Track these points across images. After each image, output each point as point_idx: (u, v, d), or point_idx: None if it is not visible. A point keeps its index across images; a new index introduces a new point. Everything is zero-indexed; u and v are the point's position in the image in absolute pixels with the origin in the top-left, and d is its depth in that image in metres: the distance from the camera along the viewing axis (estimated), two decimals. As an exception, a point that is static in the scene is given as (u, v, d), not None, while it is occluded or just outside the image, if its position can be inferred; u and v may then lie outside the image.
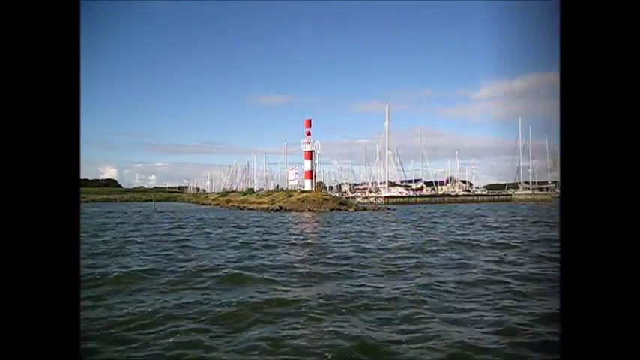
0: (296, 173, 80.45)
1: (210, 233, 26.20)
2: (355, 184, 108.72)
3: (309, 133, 70.63)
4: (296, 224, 33.07)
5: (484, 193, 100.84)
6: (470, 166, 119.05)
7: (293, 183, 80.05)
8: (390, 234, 24.60)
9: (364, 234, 24.82)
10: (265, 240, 21.86)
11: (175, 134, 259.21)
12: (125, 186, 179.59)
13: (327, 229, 28.31)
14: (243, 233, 25.82)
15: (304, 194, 60.70)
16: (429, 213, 48.09)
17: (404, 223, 31.68)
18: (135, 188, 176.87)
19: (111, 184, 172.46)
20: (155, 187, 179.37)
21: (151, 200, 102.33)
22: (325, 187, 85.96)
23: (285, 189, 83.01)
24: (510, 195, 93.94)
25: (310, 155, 69.98)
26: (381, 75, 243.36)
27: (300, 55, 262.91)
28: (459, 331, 7.46)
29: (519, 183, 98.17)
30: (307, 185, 69.23)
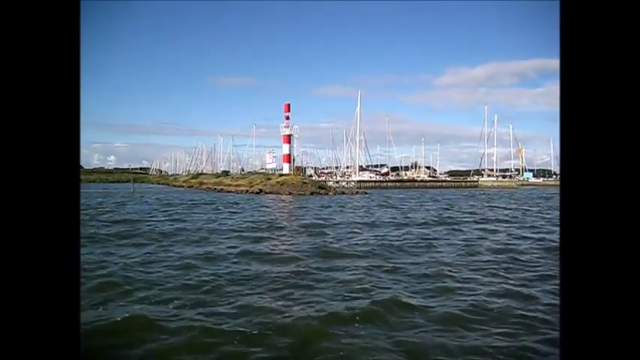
0: (273, 156, 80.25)
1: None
2: (319, 168, 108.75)
3: (287, 117, 70.51)
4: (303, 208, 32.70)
5: (448, 178, 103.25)
6: (433, 152, 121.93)
7: (270, 166, 79.95)
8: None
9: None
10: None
11: (133, 114, 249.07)
12: (85, 166, 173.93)
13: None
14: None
15: (283, 177, 60.64)
16: (418, 198, 48.46)
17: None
18: (96, 169, 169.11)
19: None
20: (115, 168, 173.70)
21: (120, 181, 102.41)
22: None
23: (252, 171, 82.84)
24: (477, 181, 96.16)
25: (289, 139, 70.04)
26: (342, 60, 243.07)
27: (260, 37, 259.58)
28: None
29: (483, 170, 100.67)
30: (285, 169, 69.16)
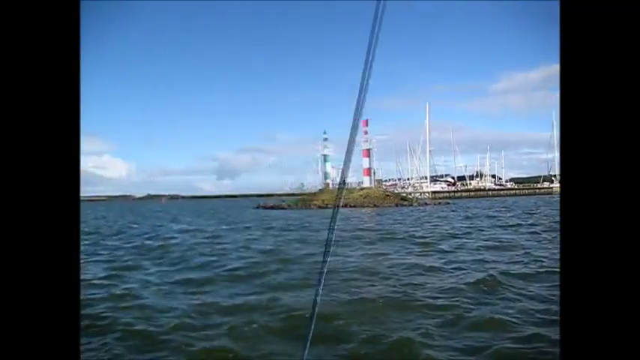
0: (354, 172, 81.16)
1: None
2: (382, 180, 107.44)
3: (366, 132, 71.47)
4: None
5: (515, 186, 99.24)
6: (496, 159, 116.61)
7: (350, 180, 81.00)
8: None
9: None
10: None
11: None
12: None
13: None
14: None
15: (365, 191, 60.70)
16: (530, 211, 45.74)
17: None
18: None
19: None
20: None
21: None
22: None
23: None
24: (551, 188, 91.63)
25: (368, 153, 70.86)
26: (390, 72, 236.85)
27: (308, 51, 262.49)
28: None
29: (553, 176, 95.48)
30: (366, 182, 69.60)
